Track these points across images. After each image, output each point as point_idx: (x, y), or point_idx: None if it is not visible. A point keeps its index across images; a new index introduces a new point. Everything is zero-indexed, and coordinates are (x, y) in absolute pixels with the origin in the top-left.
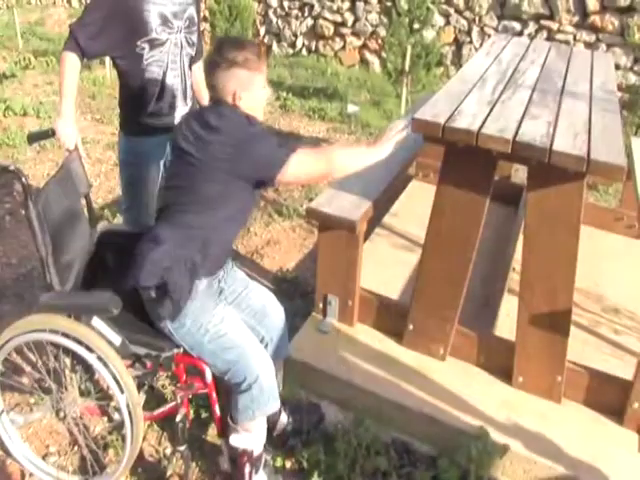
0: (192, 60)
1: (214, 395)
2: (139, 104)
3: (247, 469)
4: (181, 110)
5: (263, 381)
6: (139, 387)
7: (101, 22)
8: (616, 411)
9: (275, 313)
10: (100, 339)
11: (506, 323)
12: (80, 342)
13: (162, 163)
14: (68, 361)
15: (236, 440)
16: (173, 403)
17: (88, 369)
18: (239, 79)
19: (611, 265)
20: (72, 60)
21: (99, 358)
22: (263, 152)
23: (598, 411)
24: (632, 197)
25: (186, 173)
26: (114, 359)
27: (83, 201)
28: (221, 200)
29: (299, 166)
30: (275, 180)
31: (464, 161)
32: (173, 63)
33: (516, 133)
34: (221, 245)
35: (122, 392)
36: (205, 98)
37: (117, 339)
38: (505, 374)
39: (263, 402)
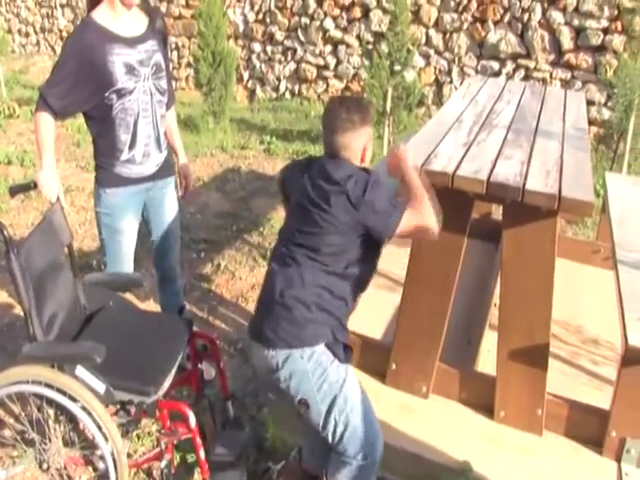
0: (165, 107)
1: (198, 440)
2: (112, 153)
3: None
4: (155, 158)
5: (377, 456)
6: (123, 435)
7: (69, 80)
8: (595, 441)
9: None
10: (83, 388)
11: (488, 359)
12: (63, 392)
13: (139, 213)
14: (51, 412)
15: None
16: (158, 449)
17: (72, 419)
18: (368, 135)
19: (589, 297)
20: (45, 119)
21: (83, 407)
22: (381, 209)
23: (578, 441)
24: (608, 230)
25: (313, 224)
26: (98, 408)
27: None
28: (344, 255)
29: (409, 223)
30: (387, 237)
31: (441, 202)
32: (144, 111)
33: (490, 174)
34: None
35: (106, 440)
36: (178, 145)
37: (101, 387)
38: (487, 409)
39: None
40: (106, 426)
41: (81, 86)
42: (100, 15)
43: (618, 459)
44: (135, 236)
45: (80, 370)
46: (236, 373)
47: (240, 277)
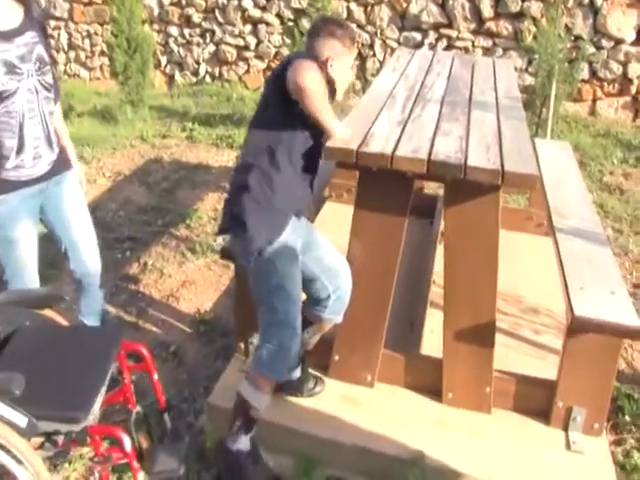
0: (52, 102)
1: (135, 464)
2: None
3: (238, 421)
4: (47, 158)
5: (291, 352)
6: (51, 469)
7: None
8: (543, 412)
9: (346, 278)
10: (1, 424)
11: (431, 339)
12: None
13: (36, 218)
14: None
15: (243, 388)
16: (92, 479)
17: None
18: (334, 49)
19: (526, 265)
20: None
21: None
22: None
23: (527, 415)
24: (539, 197)
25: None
26: (19, 443)
27: None
28: (277, 129)
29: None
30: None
31: (380, 184)
32: (30, 111)
33: (430, 152)
34: (287, 187)
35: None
36: (68, 146)
37: (22, 420)
38: (435, 392)
39: (279, 368)
40: (30, 462)
41: None
42: None
43: (565, 428)
44: (35, 244)
45: None
46: (170, 378)
47: (169, 275)
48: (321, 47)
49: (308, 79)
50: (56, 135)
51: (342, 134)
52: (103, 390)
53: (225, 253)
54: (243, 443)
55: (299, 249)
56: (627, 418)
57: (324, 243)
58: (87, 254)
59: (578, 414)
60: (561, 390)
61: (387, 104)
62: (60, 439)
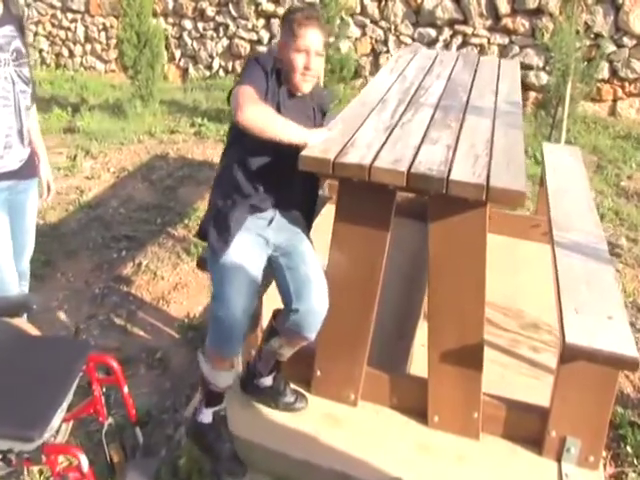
0: (30, 98)
1: None
2: None
3: (200, 393)
4: (18, 152)
5: (222, 323)
6: None
7: None
8: (535, 441)
9: (318, 297)
10: None
11: (422, 354)
12: None
13: (6, 212)
14: None
15: (201, 362)
16: None
17: None
18: (282, 35)
19: (528, 276)
20: None
21: None
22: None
23: (517, 443)
24: (546, 204)
25: None
26: None
27: None
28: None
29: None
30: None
31: (360, 196)
32: (5, 99)
33: (411, 163)
34: (250, 184)
35: None
36: (40, 146)
37: None
38: (421, 414)
39: (215, 339)
40: None
41: None
42: None
43: (558, 459)
44: (9, 237)
45: None
46: (154, 386)
47: (162, 277)
48: (280, 36)
49: (245, 112)
50: (29, 135)
51: (317, 141)
52: (65, 405)
53: (202, 263)
54: (205, 415)
55: (265, 246)
56: (629, 449)
57: (308, 255)
58: (26, 259)
59: (572, 445)
60: (554, 418)
61: (377, 109)
62: (13, 457)
